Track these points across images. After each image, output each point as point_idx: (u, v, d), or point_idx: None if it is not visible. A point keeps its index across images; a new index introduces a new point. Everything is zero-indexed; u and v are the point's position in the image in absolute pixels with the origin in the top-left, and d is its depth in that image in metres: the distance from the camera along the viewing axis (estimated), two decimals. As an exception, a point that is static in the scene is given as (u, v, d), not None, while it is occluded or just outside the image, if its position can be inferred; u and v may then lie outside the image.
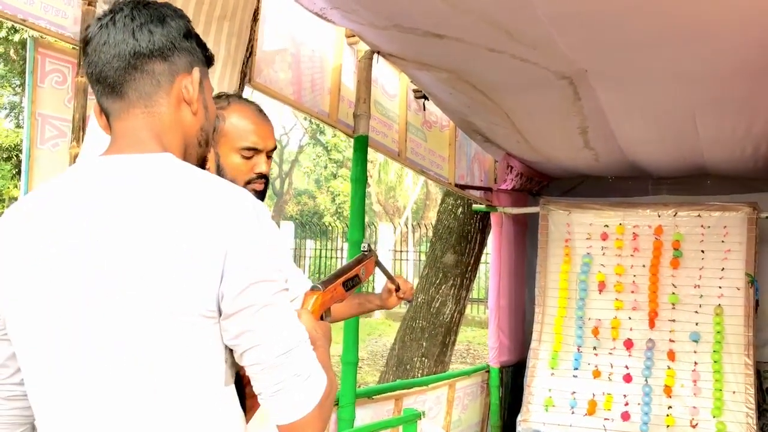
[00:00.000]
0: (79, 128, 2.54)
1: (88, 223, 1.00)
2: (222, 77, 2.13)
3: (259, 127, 1.67)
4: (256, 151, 1.65)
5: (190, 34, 1.13)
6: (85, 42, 1.10)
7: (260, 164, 1.67)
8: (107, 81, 1.08)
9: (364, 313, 2.08)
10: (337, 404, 2.95)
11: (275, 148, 1.74)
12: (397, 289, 1.95)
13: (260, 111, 1.71)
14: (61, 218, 1.01)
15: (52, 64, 2.68)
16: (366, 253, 1.65)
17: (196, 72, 1.12)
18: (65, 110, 2.64)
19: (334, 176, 22.45)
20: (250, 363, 1.00)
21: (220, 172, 1.62)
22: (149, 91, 1.08)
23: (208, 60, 1.19)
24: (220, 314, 0.98)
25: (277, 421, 1.01)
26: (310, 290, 1.35)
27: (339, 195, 21.64)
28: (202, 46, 1.16)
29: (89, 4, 2.77)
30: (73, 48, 2.60)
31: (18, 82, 12.90)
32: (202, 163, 1.18)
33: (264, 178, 1.73)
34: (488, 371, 4.71)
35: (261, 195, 1.77)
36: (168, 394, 0.97)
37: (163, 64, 1.09)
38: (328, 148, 22.51)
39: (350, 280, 1.51)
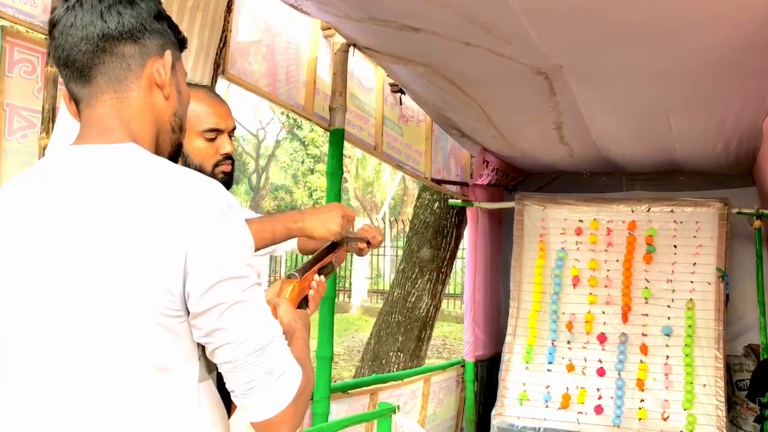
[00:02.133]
0: (49, 119, 2.49)
1: (50, 219, 0.98)
2: (195, 68, 2.10)
3: (217, 108, 1.67)
4: (218, 131, 1.66)
5: (161, 16, 1.09)
6: (52, 25, 1.05)
7: (225, 144, 1.67)
8: (75, 65, 1.04)
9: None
10: (312, 399, 2.94)
11: (235, 127, 1.75)
12: (368, 243, 1.88)
13: (213, 92, 1.72)
14: (25, 214, 1.00)
15: (21, 53, 2.62)
16: (336, 241, 1.65)
17: (168, 55, 1.08)
18: (34, 101, 2.59)
19: (311, 171, 22.37)
20: (221, 361, 0.98)
21: (185, 159, 1.61)
22: (119, 76, 1.04)
23: (180, 43, 1.15)
24: (188, 313, 0.96)
25: (250, 418, 0.99)
26: (287, 278, 1.34)
27: (316, 190, 21.57)
28: (174, 28, 1.13)
29: (58, -7, 2.72)
30: (43, 37, 2.55)
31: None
32: (178, 149, 1.15)
33: (230, 158, 1.73)
34: (463, 365, 4.73)
35: (230, 176, 1.77)
36: (133, 392, 0.95)
37: (134, 47, 1.05)
38: (306, 143, 22.41)
39: (325, 267, 1.52)
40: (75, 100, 1.07)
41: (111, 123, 1.04)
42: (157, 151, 1.10)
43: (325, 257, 1.54)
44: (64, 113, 1.94)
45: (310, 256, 1.56)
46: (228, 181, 1.77)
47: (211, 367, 1.03)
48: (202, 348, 1.00)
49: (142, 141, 1.05)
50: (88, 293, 0.94)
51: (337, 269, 1.65)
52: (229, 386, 1.00)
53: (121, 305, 0.93)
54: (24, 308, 0.98)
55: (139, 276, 0.92)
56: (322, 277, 1.50)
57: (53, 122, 2.34)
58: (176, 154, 1.15)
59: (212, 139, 1.66)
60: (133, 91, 1.05)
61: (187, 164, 1.67)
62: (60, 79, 2.49)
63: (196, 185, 0.98)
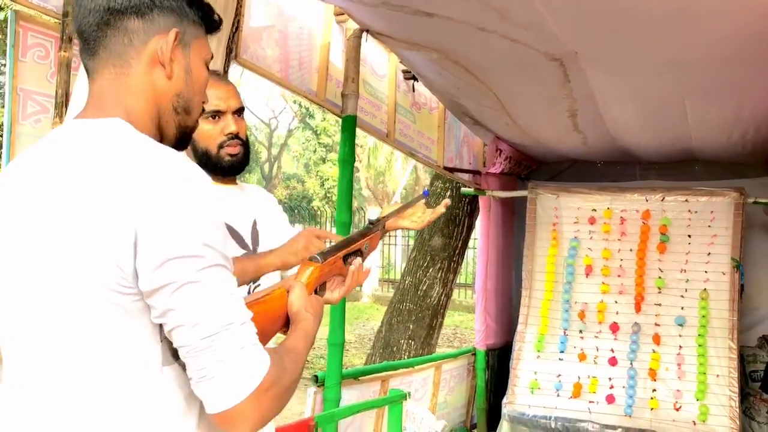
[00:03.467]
0: (62, 104, 2.49)
1: (30, 193, 0.99)
2: (207, 52, 2.09)
3: (218, 89, 1.68)
4: (219, 112, 1.66)
5: None
6: None
7: (229, 125, 1.67)
8: (83, 37, 1.05)
9: None
10: (323, 385, 2.95)
11: (242, 108, 1.74)
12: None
13: (216, 74, 1.71)
14: (16, 188, 1.02)
15: (35, 38, 2.63)
16: (371, 226, 1.53)
17: (173, 33, 1.05)
18: (48, 86, 2.59)
19: (323, 160, 22.35)
20: (176, 345, 0.93)
21: (192, 144, 1.62)
22: (119, 51, 1.03)
23: (208, 23, 1.12)
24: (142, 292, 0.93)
25: (206, 409, 0.93)
26: (308, 260, 1.27)
27: (328, 179, 21.57)
28: (198, 6, 1.09)
29: (72, -23, 2.71)
30: (56, 22, 2.56)
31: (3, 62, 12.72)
32: (185, 133, 1.13)
33: (238, 139, 1.72)
34: (474, 354, 4.73)
35: (240, 157, 1.75)
36: (89, 373, 0.94)
37: (138, 22, 1.03)
38: (318, 132, 22.39)
39: (352, 254, 1.40)
40: (86, 72, 1.08)
41: (107, 98, 1.04)
42: (161, 133, 1.08)
43: (355, 242, 1.43)
44: (78, 96, 1.94)
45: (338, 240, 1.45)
46: (237, 163, 1.75)
47: (173, 356, 0.98)
48: (162, 332, 0.96)
49: (136, 118, 1.03)
50: (49, 268, 0.94)
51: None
52: (187, 372, 0.94)
53: (74, 280, 0.92)
54: (2, 286, 1.01)
55: (91, 250, 0.91)
56: (359, 259, 1.40)
57: (66, 107, 2.34)
58: (183, 138, 1.13)
59: (215, 121, 1.66)
60: (132, 67, 1.04)
61: (194, 148, 1.68)
62: (73, 64, 2.50)
63: (155, 159, 0.95)
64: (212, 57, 1.17)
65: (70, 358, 0.94)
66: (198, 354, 0.91)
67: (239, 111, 1.72)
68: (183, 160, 0.97)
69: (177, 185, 0.92)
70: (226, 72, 2.28)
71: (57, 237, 0.94)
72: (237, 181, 1.87)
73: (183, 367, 0.95)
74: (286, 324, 1.19)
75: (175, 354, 0.96)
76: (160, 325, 0.94)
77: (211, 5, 1.14)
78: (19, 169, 1.04)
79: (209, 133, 1.67)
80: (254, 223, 1.84)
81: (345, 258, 1.38)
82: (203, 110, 1.58)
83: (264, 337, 1.14)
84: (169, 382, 0.96)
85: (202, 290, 0.91)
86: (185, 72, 1.09)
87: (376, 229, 1.54)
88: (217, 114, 1.67)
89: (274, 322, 1.17)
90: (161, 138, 1.09)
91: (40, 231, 0.96)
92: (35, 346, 0.97)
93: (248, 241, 1.80)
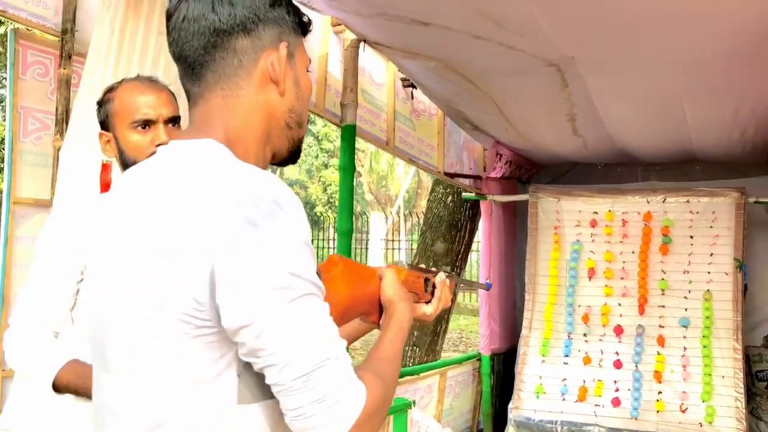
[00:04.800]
0: (62, 121, 2.51)
1: (123, 215, 0.96)
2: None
3: (148, 95, 1.55)
4: (150, 122, 1.53)
5: (278, 1, 0.99)
6: (167, 17, 0.99)
7: (159, 135, 1.52)
8: (187, 62, 0.97)
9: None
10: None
11: (176, 117, 1.60)
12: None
13: (151, 81, 1.59)
14: (116, 206, 0.99)
15: (34, 56, 2.65)
16: (449, 274, 1.43)
17: (283, 47, 0.98)
18: (48, 102, 2.62)
19: (326, 166, 22.39)
20: (268, 383, 0.87)
21: (122, 156, 1.53)
22: (229, 72, 0.97)
23: (302, 27, 1.04)
24: (221, 326, 0.87)
25: None
26: (393, 264, 1.25)
27: (330, 185, 21.59)
28: (294, 11, 1.02)
29: (70, -5, 2.73)
30: (55, 39, 2.57)
31: (5, 75, 12.79)
32: (298, 145, 1.06)
33: None
34: (479, 359, 4.72)
35: None
36: (163, 403, 0.89)
37: (246, 40, 0.96)
38: (319, 138, 22.43)
39: (428, 282, 1.35)
40: (187, 97, 1.01)
41: (211, 121, 0.97)
42: (272, 150, 1.03)
43: (430, 272, 1.37)
44: (78, 113, 1.96)
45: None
46: None
47: (256, 393, 0.90)
48: (241, 366, 0.89)
49: (237, 140, 0.96)
50: (134, 291, 0.91)
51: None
52: (282, 409, 0.88)
53: (152, 306, 0.88)
54: (98, 296, 0.99)
55: (169, 280, 0.87)
56: (442, 274, 1.36)
57: (67, 124, 2.36)
58: (296, 151, 1.07)
59: (145, 131, 1.53)
60: (242, 89, 0.97)
61: (123, 160, 1.56)
62: (73, 81, 2.52)
63: (238, 184, 0.87)
64: (310, 62, 1.10)
65: (145, 386, 0.90)
66: (291, 393, 0.85)
67: (173, 120, 1.57)
68: (271, 181, 0.89)
69: (258, 210, 0.85)
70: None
71: (142, 263, 0.90)
72: None
73: (263, 408, 0.91)
74: (376, 311, 1.17)
75: (256, 393, 0.90)
76: (237, 360, 0.88)
77: (297, 8, 1.06)
78: (119, 191, 1.02)
79: (139, 144, 1.52)
80: None
81: (425, 282, 1.33)
82: (136, 120, 1.44)
83: (352, 312, 1.12)
84: (244, 420, 0.90)
85: (292, 326, 0.85)
86: (295, 85, 1.02)
87: (449, 276, 1.43)
88: (147, 123, 1.53)
89: (364, 300, 1.15)
90: (273, 155, 1.03)
91: (128, 255, 0.93)
92: (116, 367, 0.94)
93: None
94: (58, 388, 1.45)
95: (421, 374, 4.01)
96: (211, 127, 0.96)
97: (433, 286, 1.35)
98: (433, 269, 1.40)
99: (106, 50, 1.91)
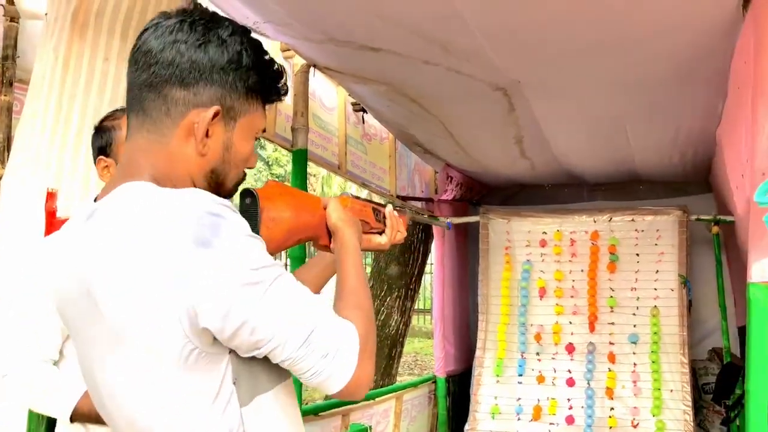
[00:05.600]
0: (4, 149, 2.44)
1: (79, 261, 0.98)
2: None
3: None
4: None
5: (234, 64, 1.00)
6: (138, 36, 1.01)
7: None
8: (129, 92, 1.01)
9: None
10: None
11: None
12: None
13: (123, 110, 1.65)
14: (69, 250, 1.02)
15: (-27, 82, 2.57)
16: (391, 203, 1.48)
17: (212, 110, 0.99)
18: (-12, 130, 2.54)
19: (277, 191, 22.24)
20: (276, 361, 0.96)
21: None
22: (155, 117, 0.98)
23: (266, 94, 1.05)
24: (205, 346, 0.92)
25: (327, 392, 0.99)
26: (341, 195, 1.29)
27: (282, 210, 21.44)
28: (258, 78, 1.03)
29: (11, 20, 2.68)
30: (-4, 65, 2.51)
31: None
32: (230, 194, 1.08)
33: None
34: (435, 381, 4.72)
35: None
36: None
37: (181, 91, 0.98)
38: (269, 163, 22.29)
39: (379, 213, 1.38)
40: (127, 128, 1.04)
41: (136, 161, 1.00)
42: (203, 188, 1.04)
43: (377, 204, 1.39)
44: (20, 141, 1.90)
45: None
46: None
47: (257, 389, 0.99)
48: (240, 373, 0.96)
49: (165, 179, 0.99)
50: (120, 358, 0.95)
51: None
52: (295, 374, 0.99)
53: (147, 366, 0.93)
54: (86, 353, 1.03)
55: (155, 331, 0.90)
56: (390, 206, 1.39)
57: (8, 151, 2.29)
58: (229, 194, 1.07)
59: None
60: (166, 136, 0.99)
61: None
62: (15, 108, 2.45)
63: (171, 215, 0.90)
64: (265, 128, 1.11)
65: (148, 414, 0.96)
66: (301, 359, 0.94)
67: None
68: (197, 196, 0.92)
69: (203, 229, 0.88)
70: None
71: (115, 313, 0.92)
72: None
73: (260, 402, 0.99)
74: (325, 235, 1.21)
75: (254, 392, 0.98)
76: (229, 368, 0.95)
77: (281, 72, 1.07)
78: (62, 244, 1.04)
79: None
80: None
81: (374, 211, 1.36)
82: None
83: (297, 233, 1.15)
84: (252, 421, 0.98)
85: (277, 310, 0.92)
86: (224, 148, 1.02)
87: (403, 210, 1.48)
88: None
89: (308, 223, 1.17)
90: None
91: (93, 303, 0.95)
92: (122, 415, 0.99)
93: None
94: (75, 417, 1.49)
95: (377, 398, 3.98)
96: (137, 168, 0.99)
97: (384, 216, 1.40)
98: (382, 202, 1.44)
99: (50, 76, 1.87)
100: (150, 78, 0.98)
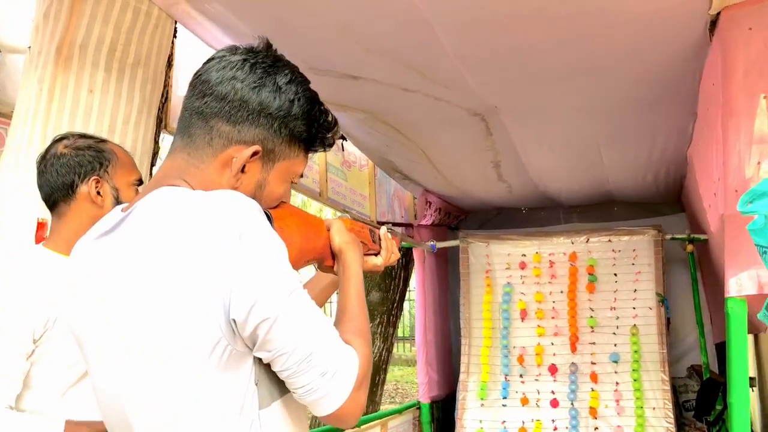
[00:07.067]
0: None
1: (109, 267, 1.01)
2: (138, 124, 2.09)
3: (133, 159, 1.74)
4: (140, 183, 1.71)
5: (286, 113, 1.04)
6: (204, 63, 1.07)
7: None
8: (183, 111, 1.06)
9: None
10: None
11: (139, 180, 1.78)
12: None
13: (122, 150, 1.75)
14: (95, 265, 1.05)
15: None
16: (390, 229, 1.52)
17: (250, 150, 1.03)
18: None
19: (253, 221, 22.17)
20: (277, 369, 0.98)
21: (117, 201, 1.62)
22: (198, 143, 1.03)
23: (310, 143, 1.10)
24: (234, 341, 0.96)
25: (316, 413, 1.01)
26: (339, 217, 1.31)
27: (259, 240, 21.36)
28: (305, 127, 1.07)
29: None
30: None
31: None
32: None
33: None
34: (419, 407, 4.71)
35: None
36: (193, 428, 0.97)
37: (226, 126, 1.03)
38: (246, 193, 22.27)
39: (374, 233, 1.42)
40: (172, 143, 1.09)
41: (171, 175, 1.04)
42: None
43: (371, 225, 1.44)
44: (6, 174, 1.90)
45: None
46: None
47: (276, 393, 1.01)
48: (256, 375, 0.99)
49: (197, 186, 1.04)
50: (151, 352, 0.97)
51: None
52: (288, 387, 1.00)
53: (180, 358, 0.95)
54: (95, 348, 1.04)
55: (191, 322, 0.92)
56: (384, 228, 1.43)
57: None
58: None
59: (137, 189, 1.69)
60: (204, 163, 1.03)
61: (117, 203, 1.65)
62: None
63: (206, 219, 0.94)
64: (302, 174, 1.16)
65: (173, 417, 0.97)
66: (300, 374, 0.97)
67: (139, 182, 1.71)
68: (236, 194, 0.97)
69: (246, 222, 0.93)
70: (156, 141, 2.28)
71: (155, 322, 0.95)
72: None
73: (278, 406, 1.01)
74: (329, 257, 1.23)
75: (268, 395, 1.01)
76: (253, 369, 0.98)
77: (331, 125, 1.11)
78: (89, 249, 1.06)
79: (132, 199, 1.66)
80: None
81: (371, 232, 1.40)
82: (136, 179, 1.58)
83: (306, 255, 1.18)
84: (268, 424, 1.00)
85: (293, 317, 0.96)
86: (257, 185, 1.07)
87: (391, 231, 1.51)
88: (140, 182, 1.71)
89: (315, 245, 1.19)
90: None
91: (119, 306, 0.98)
92: (140, 411, 1.00)
93: None
94: None
95: (363, 426, 3.96)
96: (172, 181, 1.02)
97: (379, 238, 1.43)
98: (376, 224, 1.47)
99: (34, 108, 1.88)
100: (202, 106, 1.03)
